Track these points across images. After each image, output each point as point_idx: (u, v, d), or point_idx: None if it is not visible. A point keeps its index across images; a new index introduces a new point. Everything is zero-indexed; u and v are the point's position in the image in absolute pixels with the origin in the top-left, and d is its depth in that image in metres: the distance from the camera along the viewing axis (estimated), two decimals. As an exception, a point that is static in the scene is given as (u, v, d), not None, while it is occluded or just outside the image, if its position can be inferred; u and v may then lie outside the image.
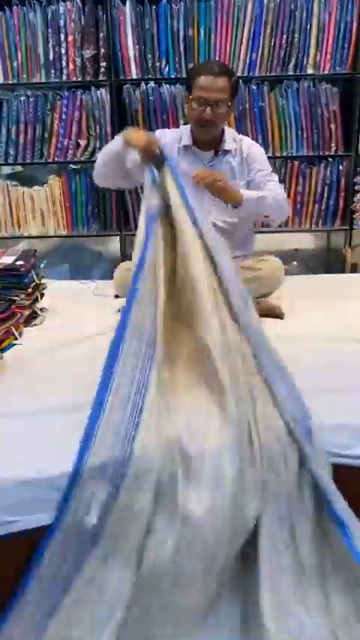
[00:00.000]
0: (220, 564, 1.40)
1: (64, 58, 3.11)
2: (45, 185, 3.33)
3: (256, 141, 2.68)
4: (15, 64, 3.13)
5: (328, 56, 3.12)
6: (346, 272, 3.36)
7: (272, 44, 3.09)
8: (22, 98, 3.18)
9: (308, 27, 3.07)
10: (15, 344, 2.08)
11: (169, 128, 2.69)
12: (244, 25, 3.06)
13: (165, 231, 1.80)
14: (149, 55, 3.10)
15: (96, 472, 1.38)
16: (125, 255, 3.29)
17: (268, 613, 1.38)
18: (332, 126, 3.22)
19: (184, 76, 2.75)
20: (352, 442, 1.58)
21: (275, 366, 1.63)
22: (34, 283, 2.30)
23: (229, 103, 2.30)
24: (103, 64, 3.11)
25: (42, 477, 1.41)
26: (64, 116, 3.19)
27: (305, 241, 3.84)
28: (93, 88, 3.16)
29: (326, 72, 3.14)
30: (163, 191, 1.88)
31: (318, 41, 3.10)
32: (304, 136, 3.23)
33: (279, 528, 1.44)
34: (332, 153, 3.27)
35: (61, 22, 3.06)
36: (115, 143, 2.21)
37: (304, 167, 3.30)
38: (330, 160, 3.28)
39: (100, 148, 2.95)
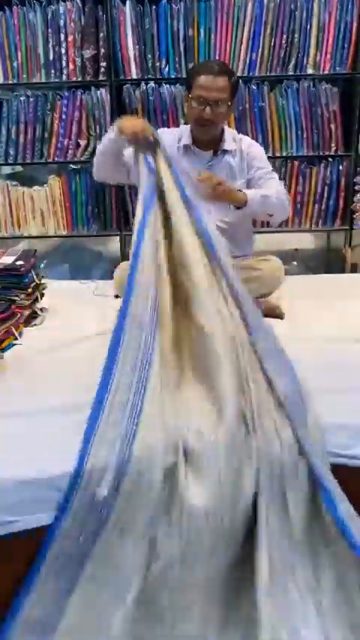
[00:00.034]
0: (222, 544, 1.42)
1: (64, 58, 3.11)
2: (45, 185, 3.33)
3: (256, 141, 2.68)
4: (15, 64, 3.13)
5: (328, 56, 3.12)
6: (346, 272, 3.36)
7: (272, 44, 3.09)
8: (22, 98, 3.17)
9: (308, 27, 3.07)
10: (15, 344, 2.07)
11: (169, 128, 2.69)
12: (244, 25, 3.06)
13: (160, 217, 1.81)
14: (149, 55, 3.10)
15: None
16: (125, 255, 3.29)
17: (262, 588, 1.39)
18: (332, 126, 3.22)
19: (184, 76, 2.75)
20: (352, 442, 1.58)
21: (268, 339, 1.66)
22: (34, 283, 2.30)
23: (229, 103, 2.30)
24: (103, 64, 3.11)
25: (42, 477, 1.41)
26: (64, 116, 3.19)
27: (305, 241, 3.84)
28: (93, 88, 3.16)
29: (326, 72, 3.14)
30: (157, 176, 1.89)
31: (318, 41, 3.10)
32: (304, 136, 3.23)
33: (274, 503, 1.45)
34: (332, 153, 3.27)
35: (61, 22, 3.06)
36: (111, 132, 2.20)
37: (304, 167, 3.30)
38: (330, 159, 3.28)
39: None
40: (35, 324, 2.27)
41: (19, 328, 2.16)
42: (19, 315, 2.17)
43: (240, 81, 2.88)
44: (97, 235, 3.47)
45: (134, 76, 3.13)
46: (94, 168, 2.39)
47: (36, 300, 2.32)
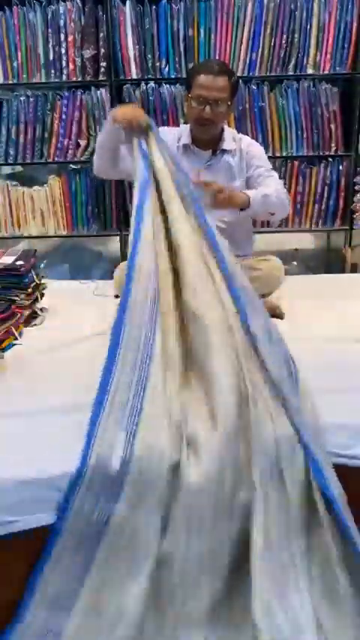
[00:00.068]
0: (223, 518, 1.46)
1: (64, 58, 3.11)
2: (45, 185, 3.33)
3: (256, 141, 2.67)
4: (15, 64, 3.13)
5: (328, 56, 3.12)
6: (346, 272, 3.36)
7: (272, 44, 3.09)
8: (22, 98, 3.17)
9: (308, 27, 3.07)
10: (15, 344, 2.08)
11: (168, 127, 2.69)
12: (244, 25, 3.06)
13: (155, 202, 1.83)
14: (149, 55, 3.10)
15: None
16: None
17: (257, 553, 1.43)
18: (332, 126, 3.22)
19: (184, 76, 2.75)
20: (352, 442, 1.58)
21: (259, 316, 1.70)
22: (34, 283, 2.30)
23: (229, 103, 2.30)
24: (103, 64, 3.11)
25: (42, 477, 1.41)
26: (64, 116, 3.19)
27: (305, 241, 3.84)
28: (93, 88, 3.16)
29: (326, 72, 3.14)
30: (150, 159, 1.91)
31: (318, 41, 3.10)
32: (304, 136, 3.23)
33: (273, 480, 1.48)
34: (332, 153, 3.27)
35: (61, 22, 3.06)
36: (107, 124, 2.19)
37: (304, 167, 3.30)
38: (330, 159, 3.28)
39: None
40: (35, 324, 2.27)
41: (19, 328, 2.16)
42: (19, 315, 2.17)
43: (240, 81, 2.88)
44: (97, 235, 3.47)
45: (134, 76, 3.13)
46: (94, 164, 2.38)
47: (36, 300, 2.32)
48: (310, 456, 1.49)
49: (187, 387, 1.62)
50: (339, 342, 2.07)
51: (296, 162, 3.28)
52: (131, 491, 1.40)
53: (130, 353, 1.56)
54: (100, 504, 1.40)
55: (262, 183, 2.35)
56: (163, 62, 3.12)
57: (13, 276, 2.22)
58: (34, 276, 2.31)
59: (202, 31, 3.07)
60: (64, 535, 1.40)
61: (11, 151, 3.25)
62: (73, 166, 3.36)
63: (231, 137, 2.43)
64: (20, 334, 2.14)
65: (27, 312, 2.24)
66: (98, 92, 3.16)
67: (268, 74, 3.14)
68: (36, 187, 3.34)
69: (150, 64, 3.12)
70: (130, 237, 1.77)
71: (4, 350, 2.01)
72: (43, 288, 2.39)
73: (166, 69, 3.13)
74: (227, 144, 2.40)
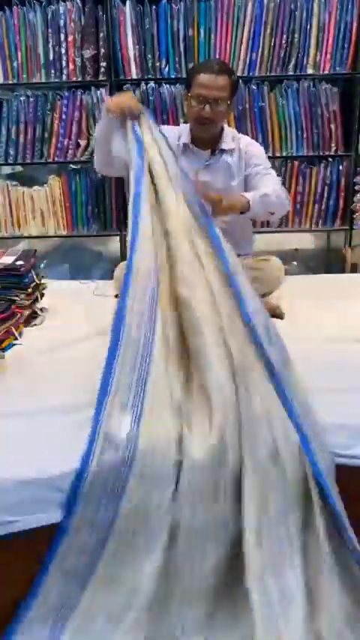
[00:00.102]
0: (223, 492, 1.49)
1: (64, 58, 3.11)
2: (45, 185, 3.33)
3: (256, 141, 2.67)
4: (15, 64, 3.13)
5: (328, 56, 3.12)
6: (346, 272, 3.36)
7: (272, 44, 3.09)
8: (22, 98, 3.17)
9: (308, 27, 3.07)
10: (15, 344, 2.08)
11: (168, 125, 2.68)
12: (244, 25, 3.06)
13: (150, 190, 1.85)
14: (149, 55, 3.10)
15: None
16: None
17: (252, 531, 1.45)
18: (332, 126, 3.22)
19: (184, 76, 2.75)
20: (352, 442, 1.58)
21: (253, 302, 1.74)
22: (34, 283, 2.30)
23: (229, 102, 2.30)
24: (103, 64, 3.11)
25: (42, 477, 1.41)
26: (64, 116, 3.19)
27: (305, 241, 3.84)
28: (93, 88, 3.16)
29: (326, 72, 3.14)
30: (143, 143, 1.93)
31: (318, 41, 3.10)
32: (304, 136, 3.23)
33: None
34: (332, 153, 3.27)
35: (61, 22, 3.06)
36: (102, 116, 2.19)
37: (304, 167, 3.29)
38: (330, 159, 3.28)
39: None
40: (35, 324, 2.27)
41: (19, 328, 2.16)
42: (19, 315, 2.17)
43: (240, 81, 2.88)
44: (97, 235, 3.46)
45: (134, 76, 3.13)
46: (95, 160, 2.37)
47: (36, 300, 2.32)
48: (299, 432, 1.52)
49: (188, 382, 1.63)
50: (339, 342, 2.07)
51: (296, 163, 3.28)
52: (139, 473, 1.42)
53: (130, 353, 1.56)
54: (110, 486, 1.42)
55: (260, 181, 2.35)
56: (163, 62, 3.12)
57: (13, 276, 2.22)
58: (34, 276, 2.31)
59: (202, 31, 3.07)
60: (77, 514, 1.41)
61: (11, 151, 3.25)
62: (73, 166, 3.36)
63: (230, 137, 2.43)
64: (20, 334, 2.14)
65: (27, 312, 2.24)
66: (98, 92, 3.15)
67: (268, 74, 3.14)
68: (36, 187, 3.34)
69: (150, 64, 3.11)
70: (128, 236, 1.78)
71: (4, 350, 2.01)
72: (43, 288, 2.39)
73: (166, 69, 3.13)
74: (226, 143, 2.40)
